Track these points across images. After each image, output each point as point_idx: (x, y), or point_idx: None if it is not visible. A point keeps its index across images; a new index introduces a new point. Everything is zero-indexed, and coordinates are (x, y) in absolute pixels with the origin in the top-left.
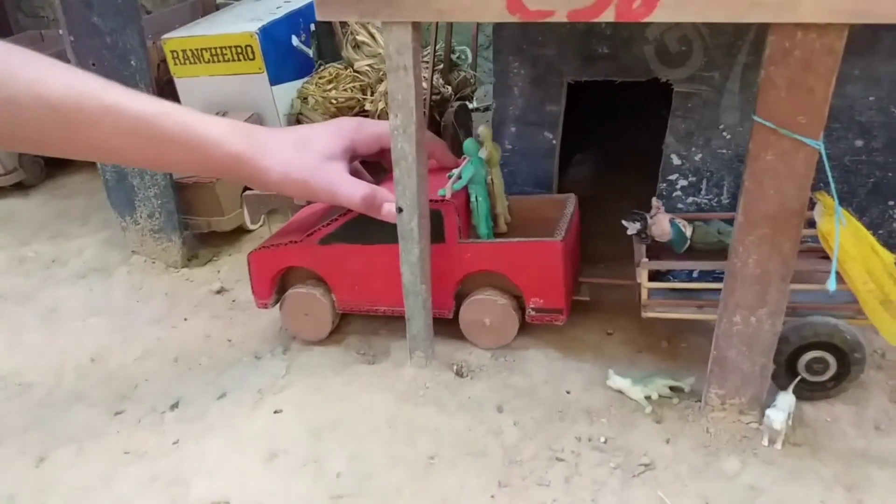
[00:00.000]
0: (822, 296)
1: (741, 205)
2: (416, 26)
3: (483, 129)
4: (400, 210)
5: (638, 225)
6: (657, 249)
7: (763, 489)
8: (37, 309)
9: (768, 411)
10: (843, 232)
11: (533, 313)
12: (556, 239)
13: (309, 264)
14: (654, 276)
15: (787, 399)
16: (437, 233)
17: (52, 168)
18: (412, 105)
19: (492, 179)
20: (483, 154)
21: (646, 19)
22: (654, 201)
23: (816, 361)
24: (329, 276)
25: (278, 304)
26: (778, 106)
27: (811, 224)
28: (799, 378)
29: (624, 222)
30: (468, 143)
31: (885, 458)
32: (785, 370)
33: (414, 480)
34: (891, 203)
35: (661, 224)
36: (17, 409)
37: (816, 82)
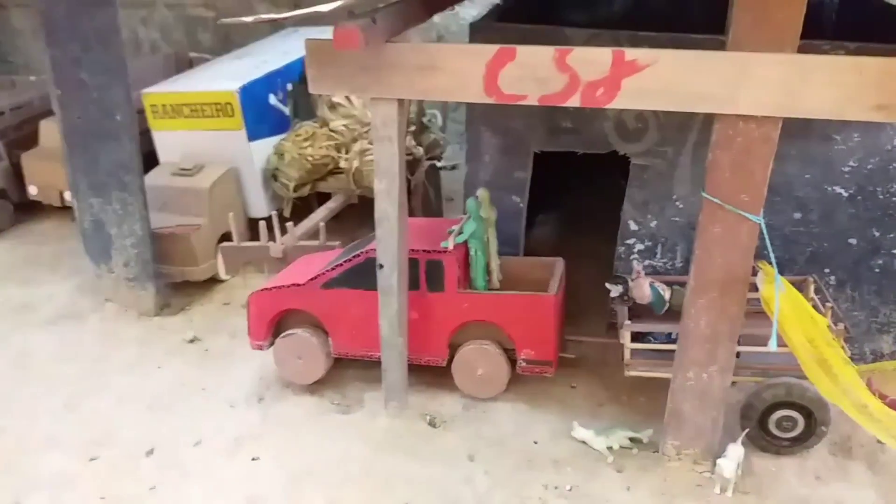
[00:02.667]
0: (791, 357)
1: (692, 271)
2: (402, 103)
3: (482, 192)
4: (381, 266)
5: (620, 288)
6: (639, 311)
7: None
8: (7, 354)
9: (719, 461)
10: (782, 297)
11: (524, 364)
12: (549, 293)
13: (309, 307)
14: (636, 337)
15: (736, 450)
16: (437, 282)
17: (21, 213)
18: (396, 171)
19: (488, 238)
20: (483, 213)
21: (608, 106)
22: (636, 265)
23: (786, 419)
24: (328, 321)
25: (271, 348)
26: (723, 185)
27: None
28: (747, 431)
29: (607, 285)
30: (471, 203)
31: None
32: (757, 427)
33: None
34: (826, 270)
35: (642, 287)
36: None
37: (756, 165)
